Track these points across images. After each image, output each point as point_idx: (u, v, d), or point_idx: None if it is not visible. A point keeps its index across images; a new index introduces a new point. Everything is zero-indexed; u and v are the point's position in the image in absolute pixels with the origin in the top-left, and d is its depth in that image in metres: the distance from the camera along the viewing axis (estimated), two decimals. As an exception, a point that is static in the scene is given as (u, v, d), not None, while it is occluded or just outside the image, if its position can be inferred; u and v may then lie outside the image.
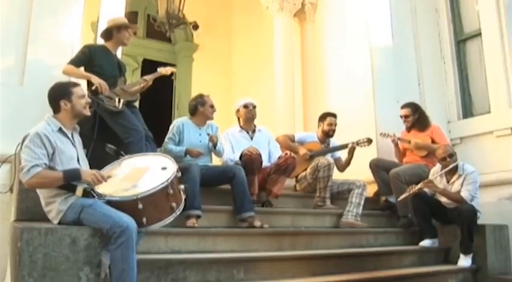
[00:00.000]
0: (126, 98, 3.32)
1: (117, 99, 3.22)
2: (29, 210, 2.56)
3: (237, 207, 3.39)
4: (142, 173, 2.43)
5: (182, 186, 2.47)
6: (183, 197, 2.47)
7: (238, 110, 4.16)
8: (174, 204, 2.34)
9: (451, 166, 3.82)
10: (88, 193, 2.30)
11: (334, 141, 4.54)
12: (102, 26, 3.58)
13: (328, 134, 4.45)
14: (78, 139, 2.59)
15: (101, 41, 3.56)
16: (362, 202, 3.98)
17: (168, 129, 3.81)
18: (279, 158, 3.93)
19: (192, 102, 3.86)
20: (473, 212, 3.70)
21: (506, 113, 4.60)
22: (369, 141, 4.30)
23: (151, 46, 7.41)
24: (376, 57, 5.01)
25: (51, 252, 2.10)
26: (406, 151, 4.47)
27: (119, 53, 3.70)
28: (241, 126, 4.16)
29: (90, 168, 2.50)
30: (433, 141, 4.32)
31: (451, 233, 3.87)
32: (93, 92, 3.14)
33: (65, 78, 3.15)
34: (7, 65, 3.32)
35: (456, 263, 3.71)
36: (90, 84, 3.22)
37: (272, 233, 3.41)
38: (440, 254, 3.95)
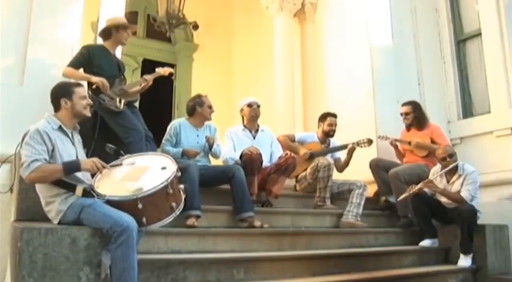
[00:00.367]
0: (126, 98, 3.32)
1: (117, 99, 3.23)
2: (29, 210, 2.56)
3: (236, 207, 3.39)
4: (142, 172, 2.43)
5: (182, 186, 2.47)
6: (183, 196, 2.47)
7: (242, 109, 4.15)
8: (173, 204, 2.34)
9: (451, 166, 3.82)
10: (88, 193, 2.30)
11: (334, 141, 4.53)
12: (102, 26, 3.58)
13: (328, 134, 4.45)
14: (78, 138, 2.59)
15: (100, 41, 3.57)
16: (362, 202, 3.98)
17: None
18: (279, 158, 3.93)
19: (190, 103, 3.85)
20: (473, 212, 3.70)
21: (506, 113, 4.60)
22: (369, 141, 4.30)
23: (151, 46, 7.41)
24: (376, 57, 5.01)
25: (51, 252, 2.10)
26: (406, 151, 4.47)
27: (118, 52, 3.70)
28: (244, 125, 4.16)
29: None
30: (432, 141, 4.32)
31: (451, 233, 3.87)
32: (94, 91, 3.14)
33: (64, 78, 3.15)
34: (7, 65, 3.32)
35: (456, 263, 3.71)
36: (90, 85, 3.22)
37: (272, 233, 3.41)
38: (440, 254, 3.95)
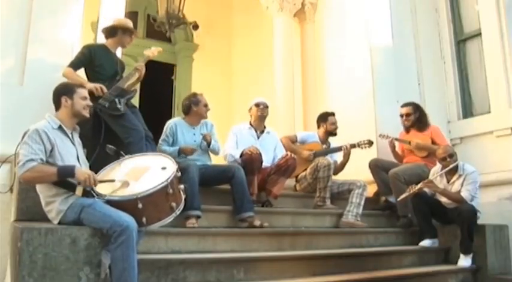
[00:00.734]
0: (124, 96, 3.30)
1: (117, 100, 3.22)
2: (29, 210, 2.56)
3: (236, 207, 3.39)
4: (142, 172, 2.43)
5: (182, 186, 2.47)
6: (183, 196, 2.47)
7: (250, 108, 4.18)
8: (173, 204, 2.34)
9: (451, 166, 3.82)
10: (88, 193, 2.30)
11: (332, 142, 4.54)
12: (106, 25, 3.57)
13: (332, 133, 4.46)
14: (78, 140, 2.59)
15: (100, 40, 3.56)
16: (362, 202, 3.99)
17: (167, 129, 3.81)
18: (279, 158, 3.93)
19: (186, 102, 3.84)
20: (473, 212, 3.69)
21: (506, 113, 4.60)
22: (370, 143, 4.31)
23: (151, 46, 7.38)
24: (376, 57, 5.01)
25: (51, 252, 2.10)
26: (406, 152, 4.47)
27: (118, 52, 3.69)
28: (251, 124, 4.17)
29: (91, 169, 2.50)
30: (433, 142, 4.32)
31: (451, 233, 3.87)
32: (92, 98, 3.11)
33: (64, 78, 3.15)
34: (7, 65, 3.32)
35: (456, 263, 3.71)
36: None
37: (272, 233, 3.41)
38: (440, 254, 3.95)
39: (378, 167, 4.32)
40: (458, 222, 3.71)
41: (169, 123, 3.80)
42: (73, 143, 2.50)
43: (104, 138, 3.12)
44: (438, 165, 4.01)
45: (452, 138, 5.05)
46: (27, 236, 2.07)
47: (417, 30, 5.33)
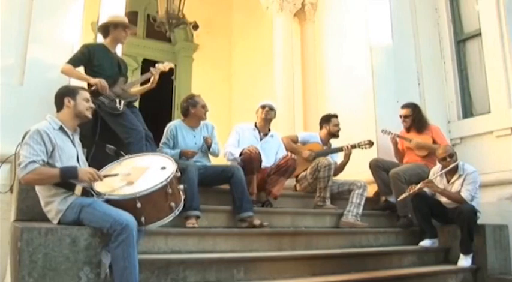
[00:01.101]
0: (126, 98, 3.32)
1: (117, 100, 3.23)
2: (29, 210, 2.56)
3: (236, 207, 3.39)
4: (141, 172, 2.43)
5: (181, 186, 2.47)
6: (183, 197, 2.47)
7: (257, 110, 4.19)
8: (173, 204, 2.34)
9: (451, 166, 3.82)
10: (87, 192, 2.30)
11: (333, 144, 4.54)
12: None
13: (334, 135, 4.46)
14: (78, 141, 2.59)
15: (100, 40, 3.56)
16: (362, 202, 3.99)
17: (167, 129, 3.80)
18: (279, 158, 3.93)
19: (184, 104, 3.83)
20: (473, 212, 3.70)
21: (506, 113, 4.60)
22: (370, 143, 4.31)
23: (151, 46, 7.41)
24: (376, 57, 5.01)
25: (51, 252, 2.10)
26: (406, 151, 4.47)
27: (118, 51, 3.70)
28: (256, 125, 4.17)
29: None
30: (434, 142, 4.32)
31: (451, 233, 3.88)
32: (93, 93, 3.13)
33: (64, 78, 3.15)
34: (7, 65, 3.32)
35: (456, 263, 3.71)
36: (89, 86, 3.21)
37: (272, 233, 3.41)
38: (440, 254, 3.95)
39: (378, 167, 4.32)
40: (458, 222, 3.71)
41: (170, 126, 3.80)
42: (73, 144, 2.50)
43: (100, 136, 3.12)
44: (438, 165, 4.01)
45: (452, 138, 5.05)
46: (27, 236, 2.07)
47: (417, 30, 5.33)
